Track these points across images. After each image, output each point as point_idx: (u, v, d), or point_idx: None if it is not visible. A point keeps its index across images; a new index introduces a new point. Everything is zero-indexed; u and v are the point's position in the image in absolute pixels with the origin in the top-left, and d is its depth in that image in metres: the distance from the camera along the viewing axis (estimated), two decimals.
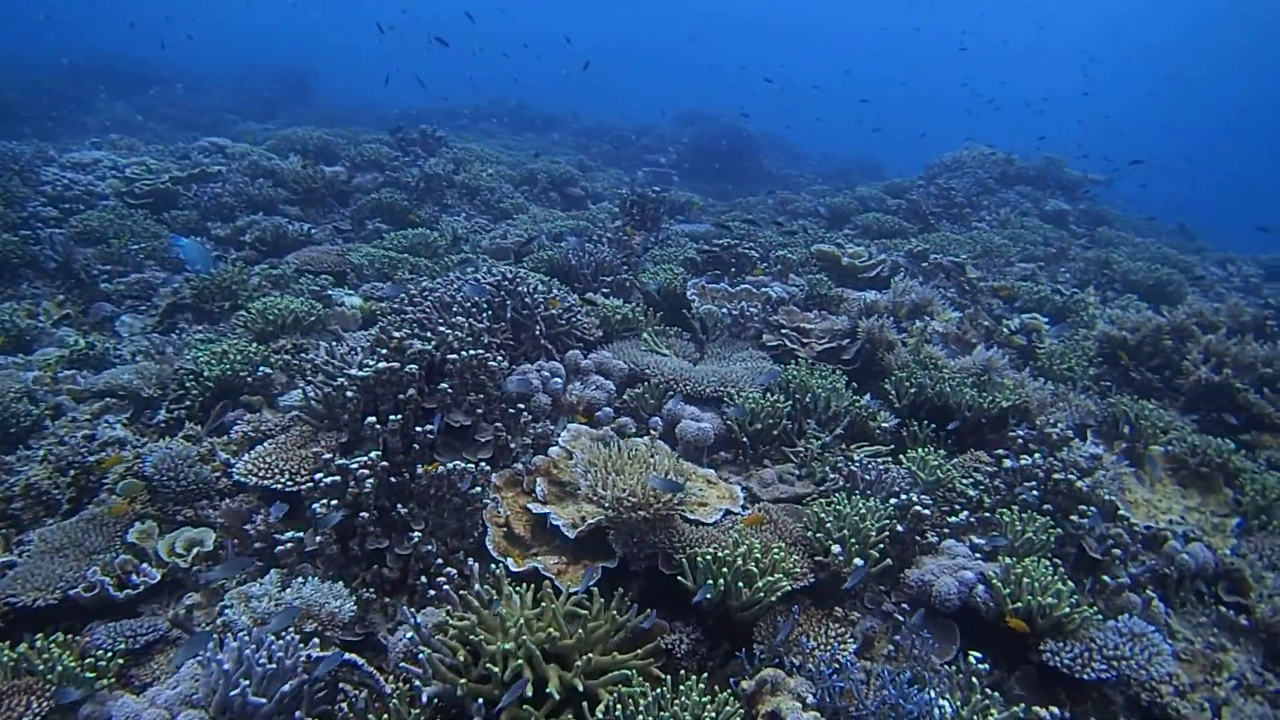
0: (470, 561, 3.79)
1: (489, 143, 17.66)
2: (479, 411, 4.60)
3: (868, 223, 11.22)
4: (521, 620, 3.21)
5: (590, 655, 3.23)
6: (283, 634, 3.04)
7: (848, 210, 12.63)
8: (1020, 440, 5.62)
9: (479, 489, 4.10)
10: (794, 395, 5.66)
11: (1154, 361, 7.25)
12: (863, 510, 4.35)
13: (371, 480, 3.87)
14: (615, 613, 3.51)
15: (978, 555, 4.57)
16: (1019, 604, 4.07)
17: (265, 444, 4.47)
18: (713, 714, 3.15)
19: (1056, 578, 4.20)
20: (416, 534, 3.90)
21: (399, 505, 4.01)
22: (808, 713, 3.35)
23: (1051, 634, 4.11)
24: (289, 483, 4.12)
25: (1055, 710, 3.74)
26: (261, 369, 5.23)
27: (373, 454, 3.97)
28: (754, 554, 3.87)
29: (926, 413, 5.85)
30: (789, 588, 3.85)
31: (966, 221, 11.36)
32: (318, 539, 3.73)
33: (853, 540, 4.21)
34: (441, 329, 4.68)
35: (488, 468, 4.24)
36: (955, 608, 4.23)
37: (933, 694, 3.49)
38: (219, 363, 5.16)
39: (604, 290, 7.03)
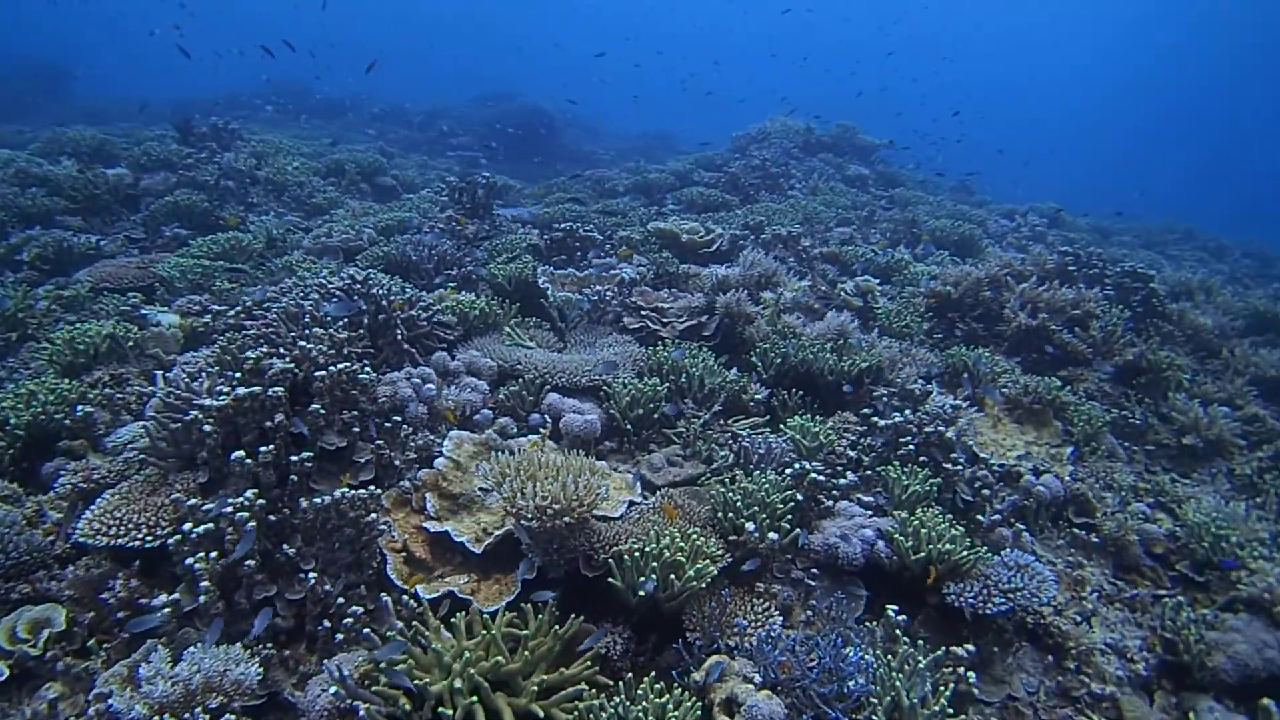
0: (383, 596, 3.47)
1: (278, 133, 16.37)
2: (355, 430, 4.21)
3: (691, 197, 11.37)
4: (462, 652, 2.96)
5: (539, 677, 3.04)
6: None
7: (664, 185, 12.76)
8: (884, 398, 5.88)
9: (373, 514, 3.75)
10: (668, 376, 5.62)
11: (976, 311, 7.82)
12: (766, 485, 4.38)
13: (253, 523, 3.43)
14: (556, 627, 3.32)
15: (869, 513, 4.74)
16: (920, 554, 4.25)
17: (106, 495, 3.87)
18: (675, 715, 3.05)
19: (948, 524, 4.43)
20: (310, 575, 3.51)
21: (283, 545, 3.60)
22: (761, 693, 3.32)
23: (950, 577, 4.32)
24: (148, 538, 3.59)
25: (970, 648, 3.95)
26: (79, 408, 4.52)
27: (249, 493, 3.52)
28: (678, 544, 3.79)
29: (792, 380, 5.99)
30: (715, 571, 3.81)
31: (783, 191, 11.79)
32: (200, 598, 3.26)
33: (763, 515, 4.22)
34: (302, 343, 4.23)
35: (377, 490, 3.88)
36: (860, 565, 4.37)
37: (858, 651, 3.56)
38: (26, 406, 4.40)
39: (449, 284, 6.67)
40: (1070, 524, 5.52)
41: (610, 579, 3.70)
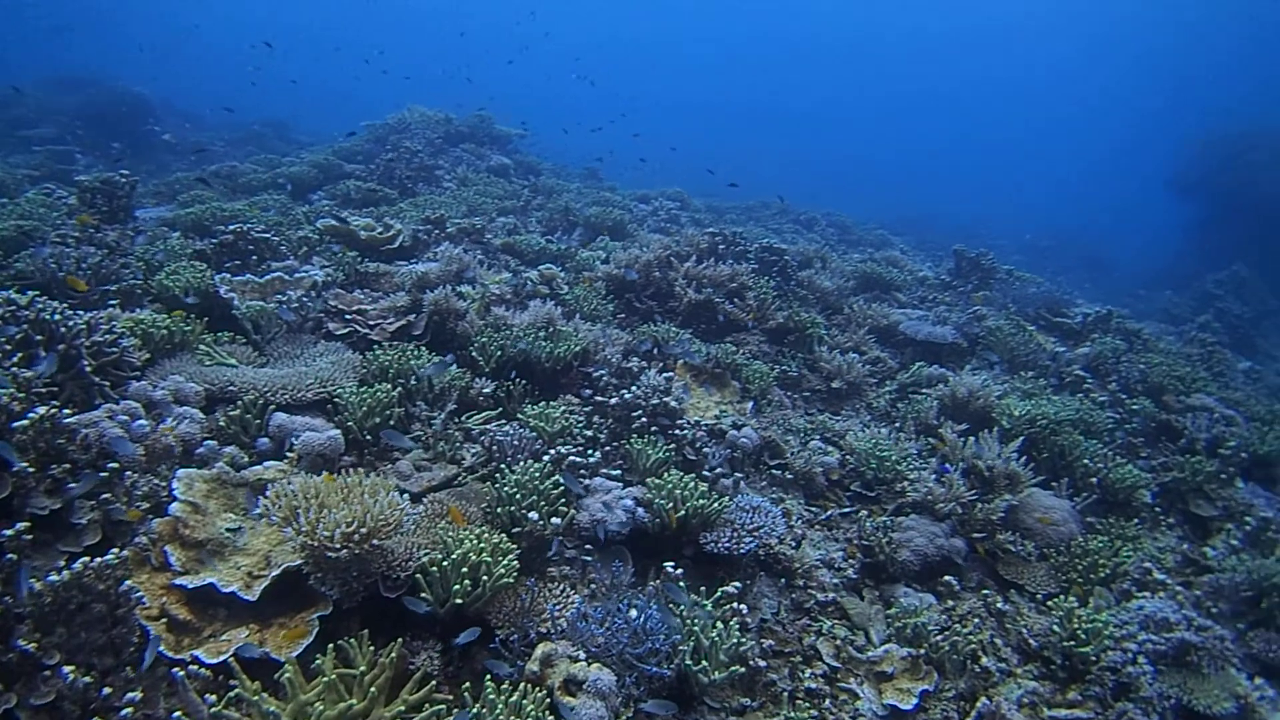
0: (175, 672, 3.01)
1: None
2: (70, 487, 3.54)
3: (346, 191, 10.77)
4: (306, 707, 2.71)
5: (390, 710, 2.89)
6: None
7: (308, 179, 11.94)
8: (604, 377, 6.23)
9: (126, 582, 3.22)
10: (397, 380, 5.43)
11: (649, 291, 8.50)
12: (535, 473, 4.48)
13: None
14: (383, 659, 3.14)
15: (620, 485, 5.05)
16: (680, 512, 4.65)
17: None
18: (530, 707, 3.08)
19: (694, 482, 4.89)
20: (67, 670, 2.93)
21: (13, 640, 2.96)
22: (592, 667, 3.47)
23: (704, 529, 4.80)
24: None
25: (736, 585, 4.44)
26: None
27: None
28: (479, 545, 3.76)
29: (512, 370, 6.10)
30: (518, 565, 3.84)
31: (438, 182, 11.64)
32: None
33: (541, 503, 4.33)
34: None
35: (124, 553, 3.33)
36: (627, 533, 4.67)
37: (651, 609, 3.86)
38: None
39: (111, 302, 5.74)
40: (768, 466, 6.33)
41: (420, 595, 3.58)
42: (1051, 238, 25.07)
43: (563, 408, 5.68)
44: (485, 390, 5.79)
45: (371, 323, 6.11)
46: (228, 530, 3.89)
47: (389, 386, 5.19)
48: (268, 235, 6.96)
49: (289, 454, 4.44)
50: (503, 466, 4.74)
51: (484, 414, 5.63)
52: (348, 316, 6.07)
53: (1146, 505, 6.28)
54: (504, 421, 5.51)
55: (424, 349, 5.83)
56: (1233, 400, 8.25)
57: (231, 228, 6.79)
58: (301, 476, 3.88)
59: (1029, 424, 6.60)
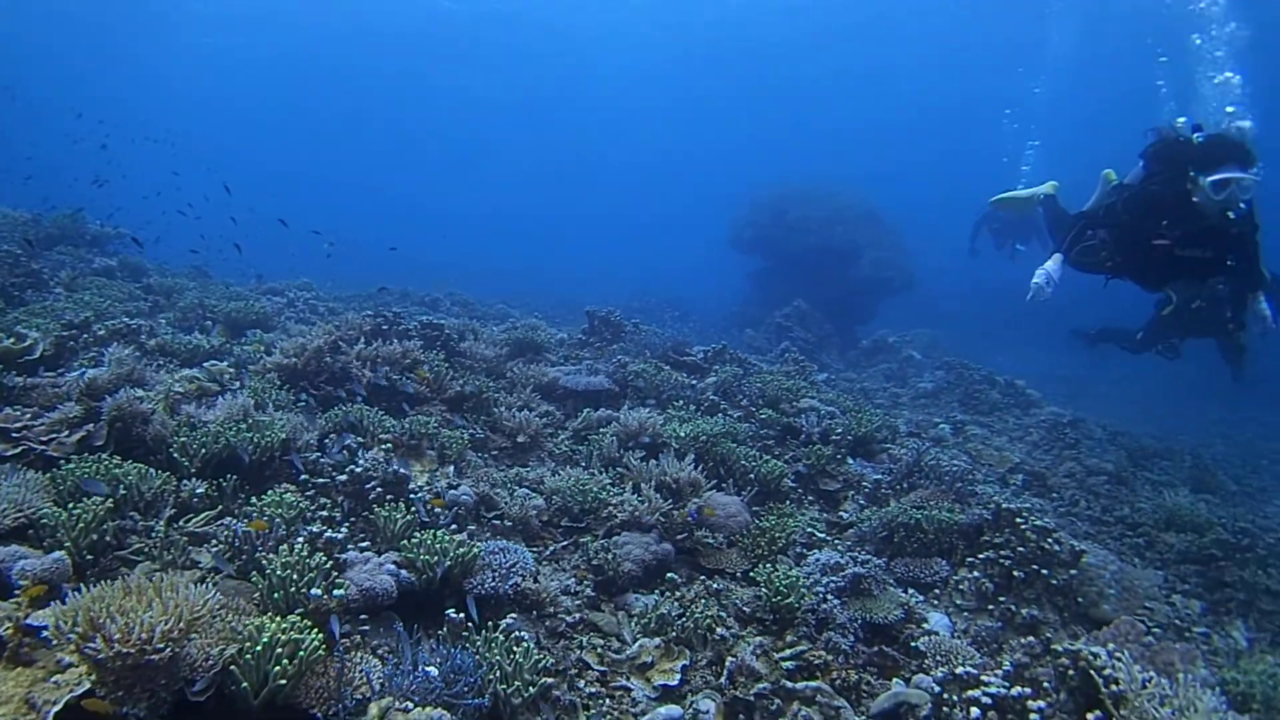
0: None
1: None
2: None
3: None
4: None
5: None
6: None
7: None
8: (316, 460, 6.26)
9: None
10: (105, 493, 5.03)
11: (322, 377, 8.51)
12: (302, 554, 4.54)
13: None
14: None
15: (373, 553, 5.23)
16: (447, 563, 5.01)
17: None
18: None
19: (448, 535, 5.25)
20: None
21: None
22: (426, 709, 3.74)
23: (465, 576, 5.18)
24: None
25: (512, 617, 4.88)
26: None
27: None
28: (282, 624, 3.80)
29: (218, 466, 5.92)
30: (320, 636, 3.93)
31: (46, 286, 10.22)
32: None
33: (316, 577, 4.42)
34: None
35: None
36: (395, 596, 4.88)
37: (455, 651, 4.22)
38: None
39: None
40: (487, 518, 6.79)
41: (234, 687, 3.55)
42: (647, 294, 28.37)
43: (288, 494, 5.67)
44: (199, 490, 5.56)
45: (44, 439, 5.52)
46: None
47: (100, 499, 4.82)
48: None
49: (19, 588, 4.00)
50: (257, 555, 4.70)
51: (203, 514, 5.41)
52: (14, 435, 5.42)
53: (791, 489, 7.83)
54: (230, 518, 5.36)
55: (114, 458, 5.44)
56: (829, 400, 10.47)
57: None
58: (76, 597, 3.59)
59: (694, 441, 7.86)
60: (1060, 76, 33.19)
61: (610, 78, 58.93)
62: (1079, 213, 9.12)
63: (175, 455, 5.76)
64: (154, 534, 4.96)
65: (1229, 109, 8.42)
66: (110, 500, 4.92)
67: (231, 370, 7.96)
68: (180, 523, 5.26)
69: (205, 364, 7.93)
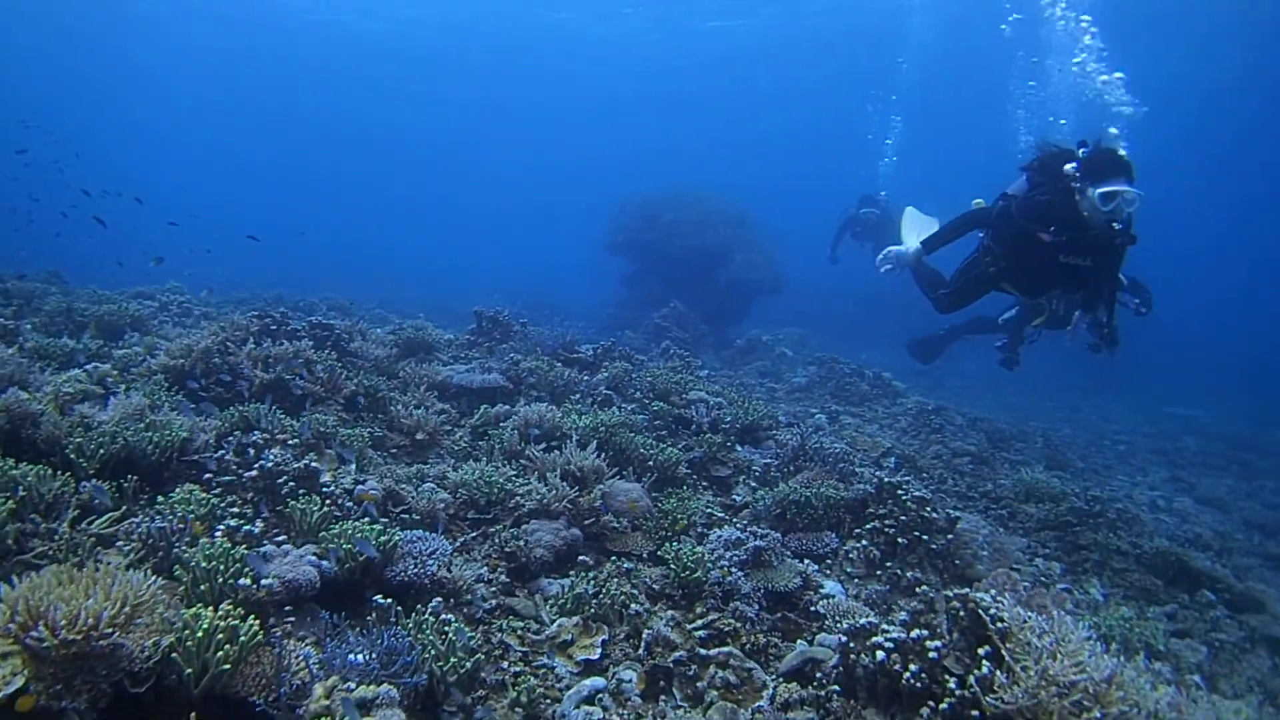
0: None
1: None
2: None
3: None
4: None
5: None
6: None
7: None
8: (217, 458, 6.19)
9: None
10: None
11: (212, 379, 8.31)
12: (224, 549, 4.56)
13: None
14: None
15: (289, 545, 5.27)
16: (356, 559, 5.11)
17: None
18: None
19: (365, 524, 5.35)
20: None
21: None
22: (370, 688, 3.87)
23: (386, 564, 5.29)
24: None
25: (437, 601, 5.03)
26: None
27: None
28: (219, 614, 3.85)
29: (117, 467, 5.78)
30: (259, 624, 3.99)
31: None
32: None
33: (242, 567, 4.45)
34: None
35: None
36: (318, 587, 4.95)
37: (387, 633, 4.37)
38: None
39: None
40: (396, 513, 6.86)
41: (174, 676, 3.58)
42: (515, 299, 28.41)
43: (195, 491, 5.60)
44: (101, 497, 5.41)
45: None
46: None
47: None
48: None
49: None
50: (175, 550, 4.68)
51: (108, 515, 5.28)
52: None
53: (686, 475, 8.23)
54: (135, 519, 5.26)
55: (10, 460, 5.24)
56: (715, 391, 10.97)
57: None
58: (9, 589, 3.52)
59: (594, 431, 8.15)
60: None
61: (493, 80, 59.06)
62: (965, 213, 8.90)
63: (72, 456, 5.59)
64: (58, 536, 4.84)
65: (1112, 130, 9.07)
66: (10, 503, 4.76)
67: (115, 373, 7.67)
68: (84, 524, 5.13)
69: (86, 367, 7.62)
